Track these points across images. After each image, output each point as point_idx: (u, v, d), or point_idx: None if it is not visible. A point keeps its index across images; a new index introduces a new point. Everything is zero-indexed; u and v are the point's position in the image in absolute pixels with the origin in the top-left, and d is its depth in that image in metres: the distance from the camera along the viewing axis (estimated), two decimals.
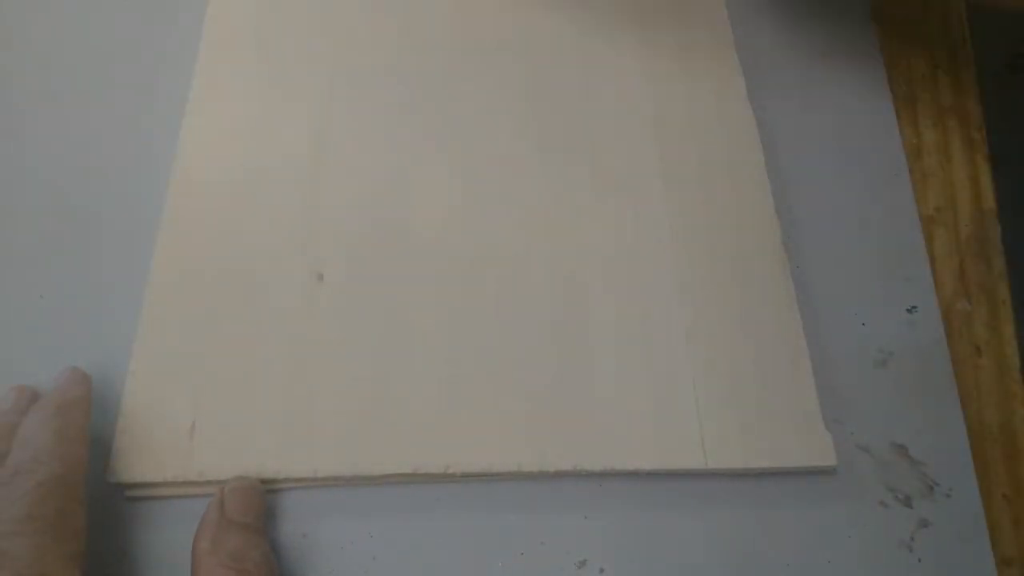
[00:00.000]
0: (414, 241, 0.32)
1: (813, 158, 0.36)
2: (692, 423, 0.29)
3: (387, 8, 0.38)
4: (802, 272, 0.33)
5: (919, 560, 0.28)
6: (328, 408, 0.29)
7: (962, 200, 0.35)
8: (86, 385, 0.28)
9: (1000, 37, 0.37)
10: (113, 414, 0.28)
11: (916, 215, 0.35)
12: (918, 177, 0.35)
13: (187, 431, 0.28)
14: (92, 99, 0.36)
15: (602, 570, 0.27)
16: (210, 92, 0.35)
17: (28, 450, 0.25)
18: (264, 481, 0.27)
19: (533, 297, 0.31)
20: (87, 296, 0.31)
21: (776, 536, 0.28)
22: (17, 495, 0.23)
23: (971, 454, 0.30)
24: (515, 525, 0.28)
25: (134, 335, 0.29)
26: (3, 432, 0.26)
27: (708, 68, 0.38)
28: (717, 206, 0.34)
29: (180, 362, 0.29)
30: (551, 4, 0.39)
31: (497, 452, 0.28)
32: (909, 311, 0.33)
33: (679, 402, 0.29)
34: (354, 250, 0.32)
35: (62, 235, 0.32)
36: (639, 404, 0.29)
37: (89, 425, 0.27)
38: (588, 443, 0.28)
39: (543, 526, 0.28)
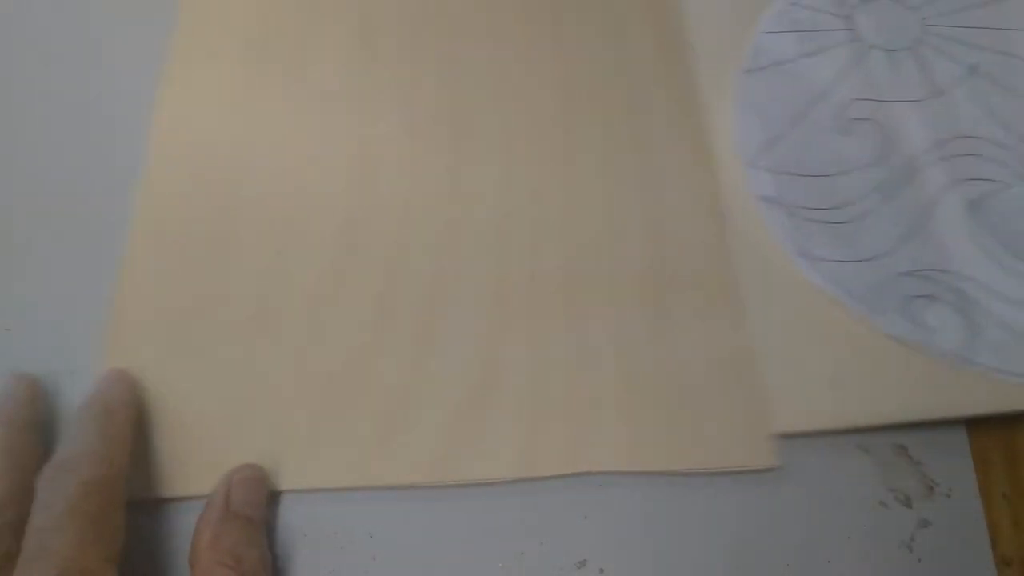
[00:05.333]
0: (391, 228, 0.33)
1: None
2: (615, 423, 0.29)
3: None
4: None
5: (919, 560, 0.28)
6: (329, 422, 0.29)
7: None
8: (134, 389, 0.28)
9: None
10: None
11: None
12: None
13: None
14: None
15: (602, 570, 0.27)
16: (185, 67, 0.36)
17: (74, 448, 0.25)
18: None
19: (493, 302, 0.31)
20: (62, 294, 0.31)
21: (776, 536, 0.28)
22: (62, 491, 0.24)
23: (971, 454, 0.30)
24: (515, 525, 0.28)
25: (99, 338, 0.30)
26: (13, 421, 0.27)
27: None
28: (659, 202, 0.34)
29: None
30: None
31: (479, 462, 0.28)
32: None
33: (604, 402, 0.29)
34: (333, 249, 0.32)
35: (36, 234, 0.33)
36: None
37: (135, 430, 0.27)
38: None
39: (543, 526, 0.28)
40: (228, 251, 0.32)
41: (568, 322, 0.31)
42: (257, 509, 0.26)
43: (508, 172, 0.34)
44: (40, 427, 0.28)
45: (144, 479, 0.27)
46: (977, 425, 0.30)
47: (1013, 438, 0.30)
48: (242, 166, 0.33)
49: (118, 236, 0.32)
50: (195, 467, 0.28)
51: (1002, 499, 0.29)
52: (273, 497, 0.28)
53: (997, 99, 0.36)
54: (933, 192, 0.33)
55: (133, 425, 0.27)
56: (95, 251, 0.32)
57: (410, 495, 0.28)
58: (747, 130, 0.35)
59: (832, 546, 0.28)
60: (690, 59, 0.37)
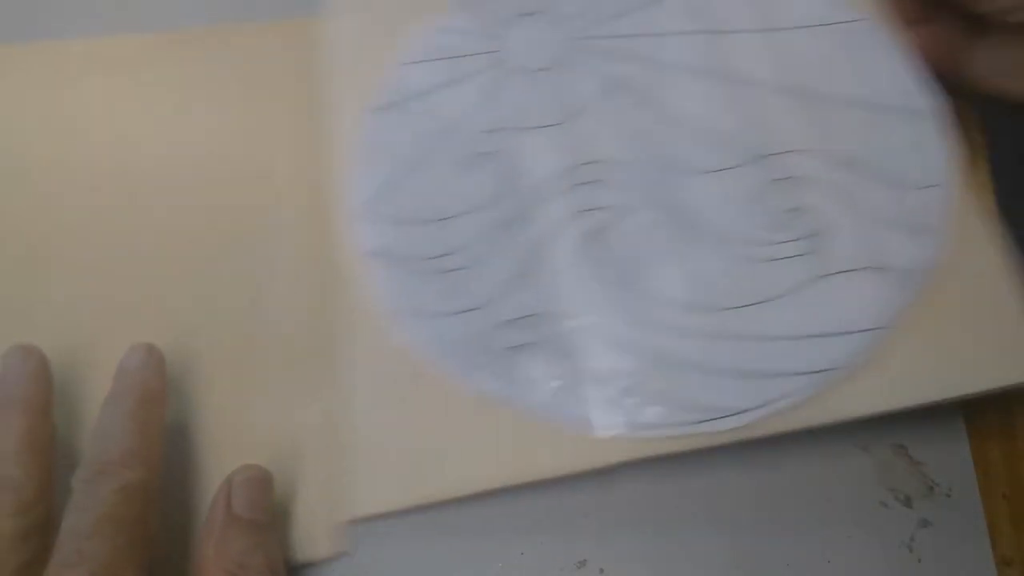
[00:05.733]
0: None
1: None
2: None
3: None
4: None
5: (919, 560, 0.28)
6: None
7: None
8: (164, 374, 0.27)
9: None
10: None
11: None
12: None
13: None
14: None
15: (602, 570, 0.27)
16: None
17: (112, 449, 0.24)
18: None
19: None
20: None
21: (776, 536, 0.28)
22: (99, 496, 0.23)
23: (971, 454, 0.30)
24: (515, 525, 0.28)
25: None
26: None
27: None
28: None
29: None
30: None
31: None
32: None
33: None
34: None
35: None
36: None
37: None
38: None
39: (543, 526, 0.28)
40: None
41: None
42: (262, 511, 0.25)
43: (120, 241, 0.31)
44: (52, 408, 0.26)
45: None
46: (977, 425, 0.30)
47: (1013, 438, 0.30)
48: None
49: None
50: None
51: (1002, 499, 0.29)
52: None
53: (637, 115, 0.33)
54: (551, 227, 0.31)
55: (165, 418, 0.26)
56: None
57: None
58: (366, 176, 0.32)
59: (832, 546, 0.28)
60: (321, 96, 0.34)
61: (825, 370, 0.28)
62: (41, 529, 0.23)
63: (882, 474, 0.29)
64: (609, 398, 0.28)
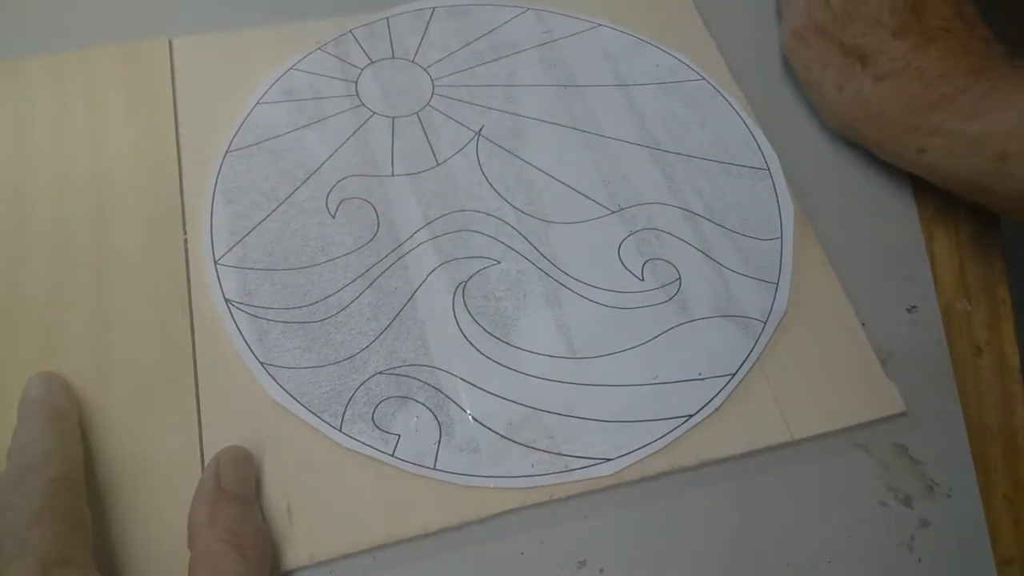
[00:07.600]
0: None
1: (813, 159, 0.36)
2: None
3: None
4: None
5: (919, 560, 0.28)
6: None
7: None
8: (70, 392, 0.28)
9: (1000, 37, 0.37)
10: None
11: (916, 215, 0.35)
12: (918, 177, 0.35)
13: None
14: None
15: (602, 570, 0.27)
16: None
17: (33, 452, 0.25)
18: None
19: None
20: None
21: (776, 536, 0.28)
22: (31, 491, 0.24)
23: (971, 454, 0.30)
24: (515, 525, 0.28)
25: None
26: None
27: None
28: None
29: None
30: None
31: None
32: (909, 311, 0.33)
33: None
34: None
35: None
36: None
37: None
38: None
39: (543, 526, 0.28)
40: None
41: None
42: (248, 487, 0.26)
43: None
44: None
45: None
46: (977, 425, 0.30)
47: (1013, 438, 0.30)
48: None
49: None
50: None
51: (1002, 499, 0.29)
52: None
53: (498, 163, 0.34)
54: (418, 277, 0.31)
55: (78, 428, 0.27)
56: None
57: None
58: (219, 220, 0.32)
59: (832, 546, 0.28)
60: (180, 130, 0.34)
61: (684, 416, 0.29)
62: None
63: (882, 474, 0.29)
64: (482, 448, 0.28)
